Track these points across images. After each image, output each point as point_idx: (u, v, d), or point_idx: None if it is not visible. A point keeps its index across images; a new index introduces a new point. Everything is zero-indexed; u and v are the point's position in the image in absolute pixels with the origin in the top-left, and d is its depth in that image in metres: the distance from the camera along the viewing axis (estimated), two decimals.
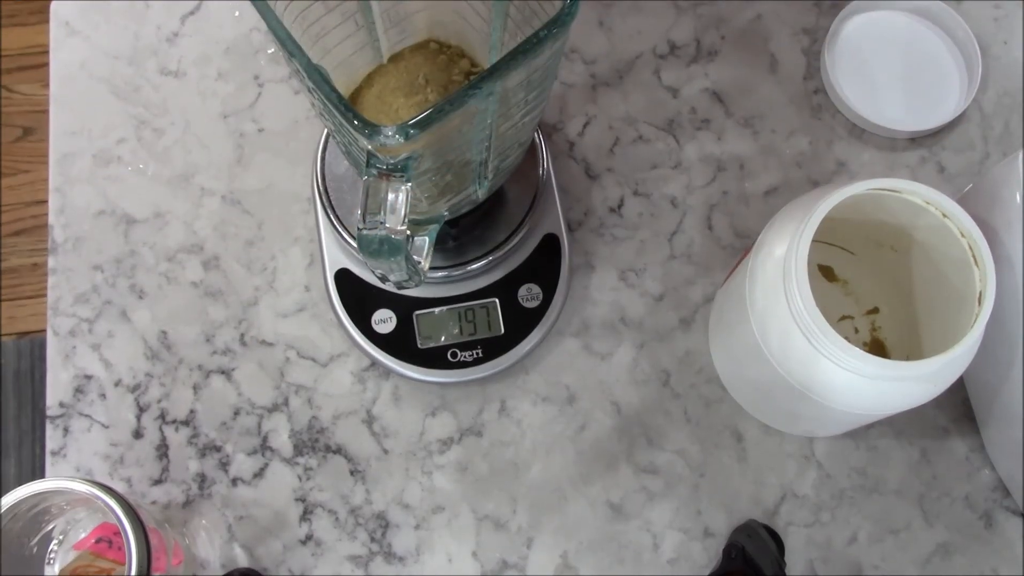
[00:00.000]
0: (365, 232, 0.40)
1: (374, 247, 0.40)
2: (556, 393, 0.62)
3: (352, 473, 0.60)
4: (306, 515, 0.60)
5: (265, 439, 0.61)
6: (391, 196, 0.39)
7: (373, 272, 0.44)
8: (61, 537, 0.53)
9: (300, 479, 0.60)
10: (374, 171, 0.39)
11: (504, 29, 0.48)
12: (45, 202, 0.66)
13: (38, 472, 1.29)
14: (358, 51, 0.51)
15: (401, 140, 0.37)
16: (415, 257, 0.45)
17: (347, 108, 0.37)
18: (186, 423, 0.61)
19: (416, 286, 0.46)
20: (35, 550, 0.52)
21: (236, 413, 0.61)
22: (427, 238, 0.48)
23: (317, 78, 0.38)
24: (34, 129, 1.47)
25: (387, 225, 0.39)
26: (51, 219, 0.65)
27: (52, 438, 0.61)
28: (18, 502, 0.47)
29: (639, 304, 0.64)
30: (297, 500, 0.60)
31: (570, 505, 0.60)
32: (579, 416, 0.61)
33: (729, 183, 0.66)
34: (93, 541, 0.53)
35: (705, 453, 0.61)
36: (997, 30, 0.70)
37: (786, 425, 0.60)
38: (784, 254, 0.49)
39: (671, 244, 0.65)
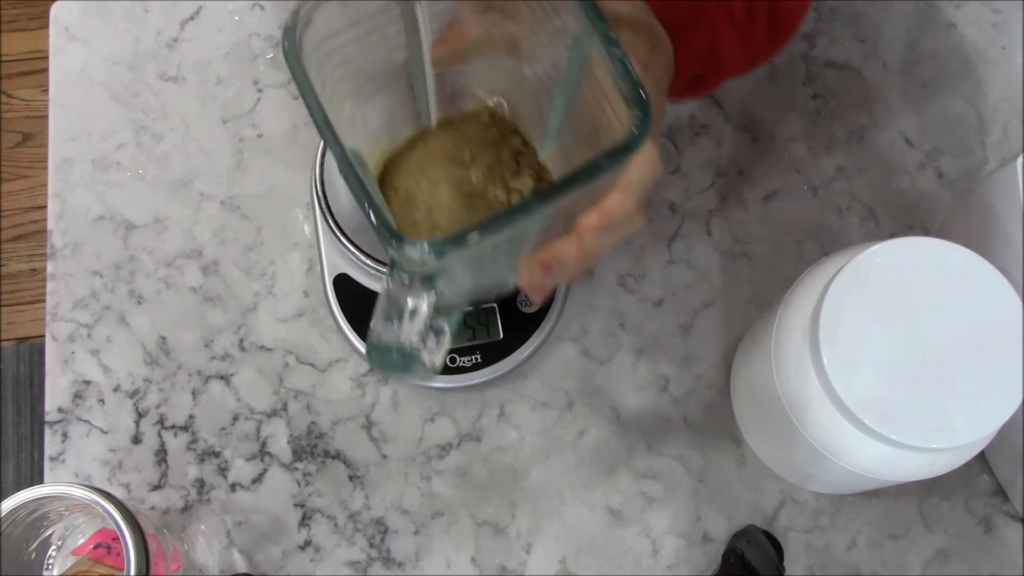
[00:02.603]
0: (377, 341, 0.37)
1: (384, 358, 0.37)
2: (555, 398, 0.62)
3: (351, 479, 0.60)
4: (305, 520, 0.60)
5: (264, 444, 0.61)
6: (411, 303, 0.36)
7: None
8: (60, 542, 0.53)
9: (299, 484, 0.60)
10: (395, 278, 0.36)
11: (565, 114, 0.43)
12: (44, 207, 0.66)
13: (37, 477, 1.29)
14: (404, 119, 0.47)
15: (433, 259, 0.33)
16: (427, 356, 0.41)
17: (377, 214, 0.34)
18: (185, 428, 0.61)
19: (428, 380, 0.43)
20: (34, 555, 0.52)
21: (235, 418, 0.61)
22: (446, 326, 0.43)
23: (349, 172, 0.35)
24: (33, 134, 1.47)
25: (402, 336, 0.37)
26: (50, 224, 0.65)
27: (51, 443, 0.61)
28: (17, 507, 0.47)
29: (638, 309, 0.64)
30: (296, 505, 0.60)
31: (569, 510, 0.60)
32: (578, 421, 0.61)
33: (728, 189, 0.66)
34: (92, 547, 0.53)
35: (704, 458, 0.61)
36: (996, 35, 0.70)
37: (804, 482, 0.60)
38: (810, 321, 0.48)
39: (670, 249, 0.65)
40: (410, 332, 0.37)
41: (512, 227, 0.34)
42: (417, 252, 0.33)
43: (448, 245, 0.33)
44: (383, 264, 0.58)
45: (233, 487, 0.60)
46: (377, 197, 0.37)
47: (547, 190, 0.35)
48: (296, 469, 0.60)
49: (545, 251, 0.40)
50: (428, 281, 0.36)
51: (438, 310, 0.42)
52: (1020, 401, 0.45)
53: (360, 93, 0.42)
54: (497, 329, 0.60)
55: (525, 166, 0.45)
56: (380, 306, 0.37)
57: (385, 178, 0.45)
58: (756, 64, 0.52)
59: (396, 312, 0.36)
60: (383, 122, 0.45)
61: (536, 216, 0.35)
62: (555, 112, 0.42)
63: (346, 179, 0.35)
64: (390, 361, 0.38)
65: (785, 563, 0.56)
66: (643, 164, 0.40)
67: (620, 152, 0.35)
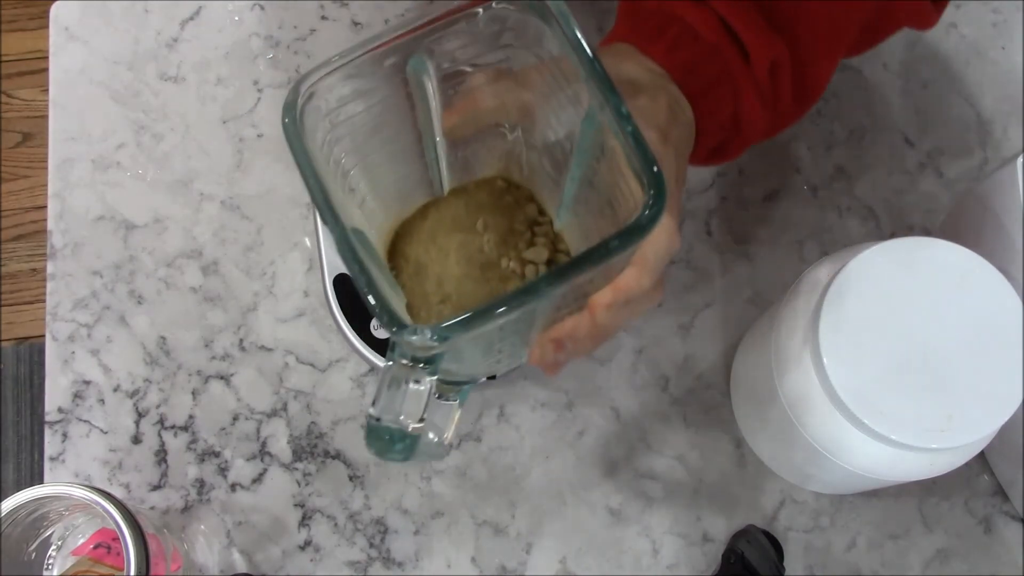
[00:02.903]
0: (375, 425, 0.35)
1: (384, 447, 0.35)
2: (555, 398, 0.62)
3: (351, 478, 0.60)
4: (305, 520, 0.60)
5: (264, 444, 0.61)
6: (411, 387, 0.34)
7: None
8: (60, 543, 0.53)
9: (299, 484, 0.60)
10: (397, 359, 0.34)
11: (580, 185, 0.41)
12: (44, 207, 0.66)
13: (37, 477, 1.29)
14: (415, 187, 0.45)
15: (436, 343, 0.32)
16: (434, 436, 0.39)
17: (377, 298, 0.32)
18: (185, 428, 0.61)
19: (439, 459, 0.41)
20: (34, 555, 0.52)
21: (235, 418, 0.61)
22: (455, 403, 0.41)
23: (348, 254, 0.33)
24: (33, 134, 1.47)
25: (403, 419, 0.35)
26: (50, 224, 0.65)
27: (51, 443, 0.61)
28: (17, 507, 0.47)
29: None
30: (296, 506, 0.60)
31: (569, 510, 0.60)
32: (578, 421, 0.61)
33: (728, 188, 0.66)
34: (92, 547, 0.53)
35: (704, 458, 0.61)
36: (996, 35, 0.70)
37: (804, 482, 0.60)
38: (809, 321, 0.48)
39: None
40: (412, 416, 0.35)
41: (520, 310, 0.33)
42: (419, 339, 0.32)
43: (452, 331, 0.32)
44: None
45: (233, 487, 0.60)
46: (379, 275, 0.35)
47: (557, 272, 0.33)
48: (296, 469, 0.60)
49: (557, 329, 0.39)
50: (432, 363, 0.34)
51: (445, 384, 0.41)
52: (1020, 401, 0.45)
53: (368, 164, 0.41)
54: None
55: (540, 235, 0.44)
56: (380, 387, 0.35)
57: (396, 247, 0.44)
58: (781, 129, 0.50)
59: (397, 394, 0.34)
60: (394, 191, 0.44)
61: (545, 298, 0.33)
62: (570, 182, 0.41)
63: (345, 261, 0.33)
64: (390, 451, 0.36)
65: (785, 563, 0.56)
66: (659, 240, 0.38)
67: (633, 232, 0.33)
